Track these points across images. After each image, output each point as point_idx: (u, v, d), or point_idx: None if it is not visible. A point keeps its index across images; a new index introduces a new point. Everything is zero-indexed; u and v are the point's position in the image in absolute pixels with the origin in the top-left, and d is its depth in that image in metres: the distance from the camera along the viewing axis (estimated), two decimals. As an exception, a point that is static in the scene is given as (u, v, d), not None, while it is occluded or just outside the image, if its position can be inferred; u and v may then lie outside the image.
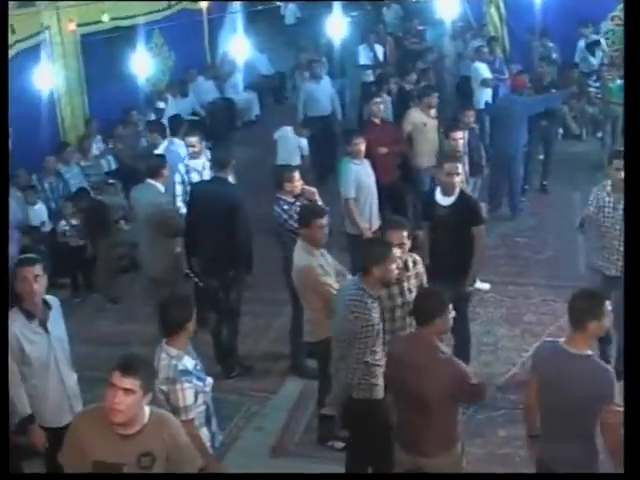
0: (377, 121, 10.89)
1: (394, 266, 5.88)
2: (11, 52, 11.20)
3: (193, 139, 9.64)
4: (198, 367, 5.33)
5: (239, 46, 16.62)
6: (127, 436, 4.37)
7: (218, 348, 8.46)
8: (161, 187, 8.64)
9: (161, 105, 14.63)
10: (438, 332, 5.27)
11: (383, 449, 5.87)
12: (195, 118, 15.92)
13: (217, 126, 16.42)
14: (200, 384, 5.24)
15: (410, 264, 6.40)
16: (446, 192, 7.62)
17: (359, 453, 6.22)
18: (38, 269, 5.74)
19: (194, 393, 5.15)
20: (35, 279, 5.70)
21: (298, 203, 7.87)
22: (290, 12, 23.29)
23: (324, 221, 6.84)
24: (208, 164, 9.62)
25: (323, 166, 13.34)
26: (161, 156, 9.19)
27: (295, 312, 7.97)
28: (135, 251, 9.99)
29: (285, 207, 7.84)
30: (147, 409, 4.47)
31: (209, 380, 5.41)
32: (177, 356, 5.19)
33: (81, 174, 11.88)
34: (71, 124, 13.28)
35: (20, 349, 5.73)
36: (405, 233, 6.28)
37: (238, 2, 18.62)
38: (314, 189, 8.15)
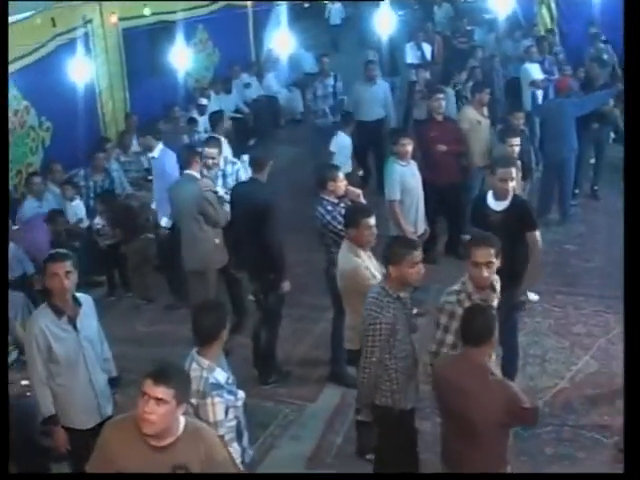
0: (439, 118, 10.61)
1: (415, 269, 5.55)
2: (51, 45, 11.08)
3: (213, 151, 9.25)
4: (230, 380, 5.04)
5: (284, 43, 16.37)
6: (160, 448, 4.15)
7: (256, 352, 8.20)
8: (197, 174, 8.56)
9: (204, 101, 14.42)
10: (488, 352, 5.04)
11: (405, 461, 5.72)
12: (238, 115, 15.75)
13: (260, 124, 16.23)
14: (231, 398, 4.96)
15: (497, 285, 5.95)
16: (499, 197, 7.29)
17: (382, 462, 6.00)
18: (69, 265, 5.54)
19: (225, 408, 4.87)
20: (66, 275, 5.50)
21: (342, 204, 7.55)
22: (335, 12, 22.90)
23: (372, 221, 6.50)
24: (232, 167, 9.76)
25: (369, 171, 13.17)
26: (191, 147, 9.00)
27: (336, 317, 7.65)
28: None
29: (329, 208, 7.51)
30: (182, 420, 4.25)
31: (241, 394, 5.12)
32: (208, 368, 4.92)
33: (120, 170, 11.61)
34: (112, 119, 13.15)
35: (47, 346, 5.54)
36: (492, 251, 5.72)
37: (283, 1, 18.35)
38: (359, 190, 7.82)
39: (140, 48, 13.33)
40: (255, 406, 7.65)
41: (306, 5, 25.94)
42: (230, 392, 4.97)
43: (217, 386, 4.87)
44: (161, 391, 4.05)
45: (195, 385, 4.79)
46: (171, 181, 9.13)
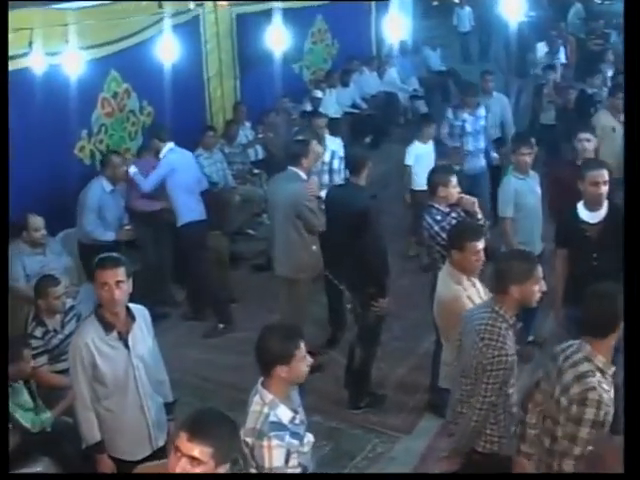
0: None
1: (537, 287, 4.68)
2: (156, 28, 10.49)
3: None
4: (297, 420, 4.18)
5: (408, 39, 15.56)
6: None
7: (349, 372, 7.38)
8: (303, 175, 7.65)
9: (318, 94, 13.70)
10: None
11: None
12: (354, 111, 14.97)
13: (378, 121, 15.39)
14: (295, 442, 4.08)
15: None
16: (591, 206, 6.31)
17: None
18: (121, 273, 4.79)
19: (285, 453, 4.00)
20: (117, 285, 4.76)
21: (454, 214, 6.62)
22: (464, 16, 21.48)
23: (480, 245, 5.56)
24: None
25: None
26: (303, 141, 8.15)
27: (439, 340, 6.72)
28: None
29: (438, 217, 6.56)
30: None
31: (309, 438, 4.23)
32: (271, 403, 4.10)
33: (223, 161, 10.91)
34: (220, 108, 12.51)
35: (92, 364, 4.82)
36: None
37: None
38: (474, 198, 6.79)
39: (254, 35, 12.59)
40: (342, 432, 6.97)
41: (435, 3, 24.96)
42: (295, 434, 4.11)
43: (278, 426, 4.04)
44: (198, 450, 3.28)
45: (252, 422, 4.03)
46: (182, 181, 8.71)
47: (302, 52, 14.48)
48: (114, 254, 5.21)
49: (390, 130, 15.75)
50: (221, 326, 8.94)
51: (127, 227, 8.86)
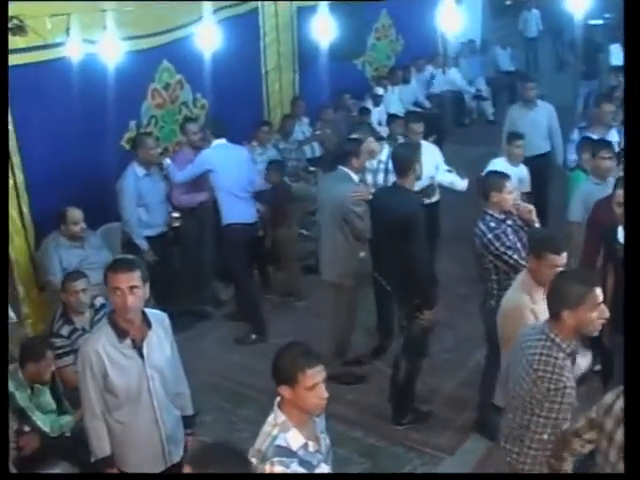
0: None
1: (595, 314, 4.16)
2: (212, 19, 10.16)
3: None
4: (310, 448, 3.75)
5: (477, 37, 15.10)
6: None
7: (394, 384, 6.93)
8: (354, 176, 7.28)
9: (379, 91, 13.28)
10: None
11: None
12: (417, 109, 14.50)
13: (442, 121, 14.89)
14: (302, 471, 3.65)
15: None
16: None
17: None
18: (136, 277, 4.42)
19: None
20: (130, 290, 4.40)
21: (509, 221, 6.18)
22: (532, 20, 20.64)
23: (561, 260, 5.00)
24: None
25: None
26: (355, 140, 7.77)
27: (490, 355, 6.28)
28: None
29: (491, 224, 6.11)
30: None
31: (323, 468, 3.80)
32: (282, 425, 3.72)
33: (278, 157, 10.52)
34: (278, 103, 12.10)
35: (103, 373, 4.48)
36: None
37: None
38: (530, 206, 6.34)
39: (315, 29, 12.19)
40: (381, 449, 6.56)
41: (508, 2, 24.34)
42: (305, 463, 3.69)
43: (285, 451, 3.65)
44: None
45: (260, 443, 3.69)
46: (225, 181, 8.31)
47: (365, 47, 14.01)
48: (129, 256, 4.86)
49: (454, 130, 15.28)
50: (254, 336, 8.56)
51: (174, 214, 8.58)
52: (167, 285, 8.48)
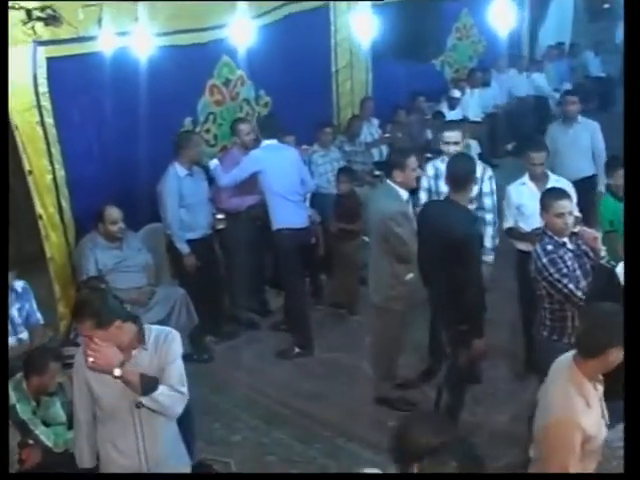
0: None
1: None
2: (278, 14, 9.77)
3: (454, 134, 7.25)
4: None
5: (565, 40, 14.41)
6: None
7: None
8: (401, 192, 6.54)
9: (456, 94, 12.69)
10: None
11: None
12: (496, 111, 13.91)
13: (523, 127, 14.21)
14: None
15: None
16: None
17: None
18: (88, 327, 4.00)
19: None
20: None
21: (570, 246, 5.55)
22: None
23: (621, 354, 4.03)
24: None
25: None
26: (401, 151, 7.21)
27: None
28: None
29: (548, 247, 5.43)
30: None
31: None
32: None
33: (339, 161, 10.02)
34: (348, 103, 11.59)
35: (87, 390, 4.21)
36: None
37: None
38: (596, 233, 5.67)
39: (390, 27, 11.66)
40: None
41: (606, 6, 23.39)
42: None
43: None
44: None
45: None
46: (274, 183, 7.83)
47: (443, 47, 13.44)
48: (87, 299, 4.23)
49: (535, 138, 14.54)
50: (297, 350, 8.06)
51: (219, 216, 8.20)
52: (211, 290, 8.13)
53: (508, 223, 7.17)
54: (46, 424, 5.50)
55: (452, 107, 12.52)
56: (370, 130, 11.32)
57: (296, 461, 6.27)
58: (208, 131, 9.37)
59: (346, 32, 11.24)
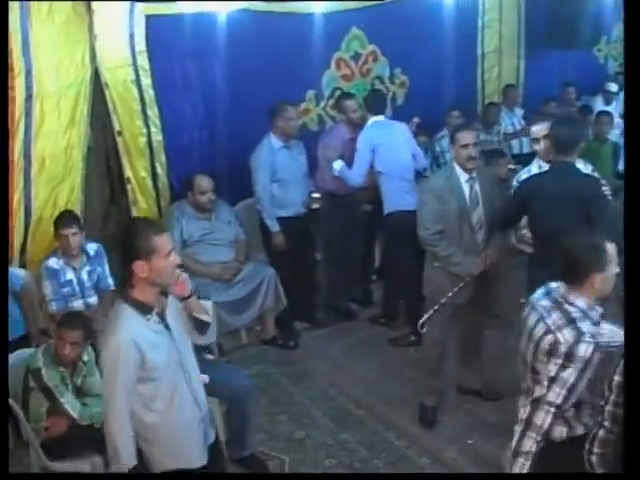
0: None
1: None
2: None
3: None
4: None
5: None
6: None
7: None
8: None
9: (612, 88, 11.59)
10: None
11: None
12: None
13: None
14: None
15: None
16: None
17: None
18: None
19: None
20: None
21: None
22: None
23: None
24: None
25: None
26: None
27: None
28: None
29: None
30: None
31: None
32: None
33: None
34: (494, 90, 10.87)
35: (139, 364, 3.67)
36: None
37: None
38: None
39: (548, 10, 10.79)
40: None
41: None
42: None
43: None
44: None
45: None
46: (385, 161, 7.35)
47: (602, 34, 12.31)
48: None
49: None
50: (413, 338, 7.39)
51: (315, 194, 7.79)
52: (304, 273, 7.74)
53: None
54: (81, 393, 5.25)
55: (608, 102, 11.52)
56: (512, 120, 10.58)
57: (357, 468, 5.78)
58: (335, 107, 8.90)
59: (496, 14, 10.57)
